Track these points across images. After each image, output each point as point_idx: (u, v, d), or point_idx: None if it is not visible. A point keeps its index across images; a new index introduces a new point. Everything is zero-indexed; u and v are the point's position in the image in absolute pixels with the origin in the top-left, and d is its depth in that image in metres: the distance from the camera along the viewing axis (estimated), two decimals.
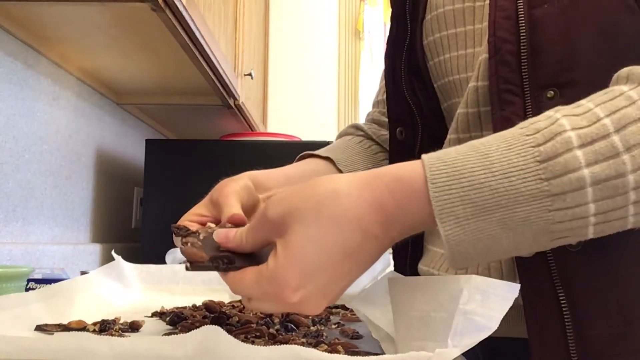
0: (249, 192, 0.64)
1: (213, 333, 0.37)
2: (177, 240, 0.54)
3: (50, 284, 0.91)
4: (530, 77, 0.58)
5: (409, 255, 0.78)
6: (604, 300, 0.56)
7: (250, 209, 0.63)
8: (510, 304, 0.43)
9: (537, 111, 0.55)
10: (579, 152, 0.44)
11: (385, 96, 0.90)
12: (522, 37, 0.58)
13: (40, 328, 0.57)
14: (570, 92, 0.56)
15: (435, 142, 0.71)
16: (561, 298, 0.56)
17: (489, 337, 0.43)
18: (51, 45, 1.36)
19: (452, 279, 0.44)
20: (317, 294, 0.44)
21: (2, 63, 1.20)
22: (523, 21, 0.59)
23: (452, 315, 0.43)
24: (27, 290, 0.87)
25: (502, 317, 0.43)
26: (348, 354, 0.46)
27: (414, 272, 0.75)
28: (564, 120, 0.46)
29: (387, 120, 0.85)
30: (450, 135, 0.68)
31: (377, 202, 0.45)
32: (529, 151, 0.45)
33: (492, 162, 0.45)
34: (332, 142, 1.94)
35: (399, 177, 0.46)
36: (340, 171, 0.76)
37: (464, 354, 0.44)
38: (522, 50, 0.58)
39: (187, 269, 0.49)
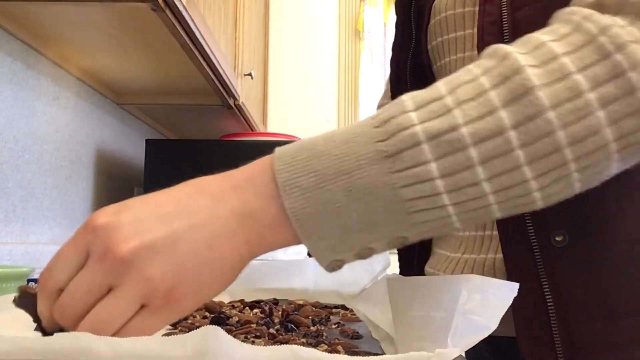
0: None
1: (213, 333, 0.37)
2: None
3: None
4: None
5: (415, 258, 0.78)
6: (589, 296, 0.57)
7: None
8: (509, 303, 0.43)
9: None
10: (413, 114, 0.43)
11: (387, 100, 0.91)
12: (505, 41, 0.60)
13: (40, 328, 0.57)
14: None
15: None
16: (546, 293, 0.57)
17: (495, 337, 0.43)
18: (51, 45, 1.36)
19: (451, 279, 0.44)
20: (132, 223, 0.41)
21: (2, 63, 1.20)
22: (507, 25, 0.60)
23: (451, 315, 0.43)
24: None
25: (501, 316, 0.42)
26: (348, 354, 0.46)
27: (421, 275, 0.76)
28: (405, 97, 0.45)
29: None
30: None
31: (226, 174, 0.45)
32: (368, 122, 0.44)
33: (333, 134, 0.44)
34: None
35: (255, 162, 0.46)
36: None
37: (470, 354, 0.44)
38: None
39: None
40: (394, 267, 0.81)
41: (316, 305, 0.75)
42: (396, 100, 0.45)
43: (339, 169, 0.43)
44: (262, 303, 0.75)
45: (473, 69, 0.46)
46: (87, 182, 1.65)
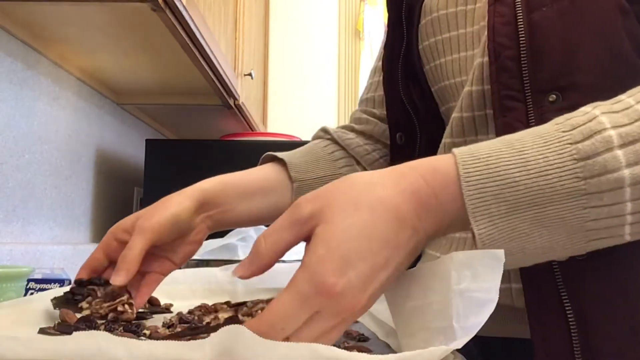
0: (179, 225, 0.64)
1: (232, 332, 0.36)
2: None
3: (50, 284, 0.91)
4: (531, 82, 0.57)
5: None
6: (611, 310, 0.54)
7: (173, 243, 0.65)
8: (500, 270, 0.42)
9: (540, 116, 0.55)
10: (620, 151, 0.43)
11: (372, 94, 0.89)
12: (521, 42, 0.58)
13: (43, 331, 0.57)
14: (573, 95, 0.56)
15: (434, 146, 0.71)
16: (567, 307, 0.54)
17: (486, 337, 0.43)
18: (51, 45, 1.36)
19: (436, 262, 0.44)
20: (357, 285, 0.41)
21: (2, 63, 1.20)
22: (522, 26, 0.58)
23: (447, 297, 0.43)
24: (27, 290, 0.87)
25: (498, 285, 0.42)
26: None
27: None
28: (603, 118, 0.45)
29: (368, 117, 0.86)
30: (445, 140, 0.68)
31: (413, 190, 0.44)
32: (566, 148, 0.44)
33: (527, 160, 0.44)
34: None
35: (434, 168, 0.45)
36: (290, 177, 0.76)
37: (459, 351, 0.44)
38: (522, 55, 0.58)
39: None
40: None
41: None
42: (594, 123, 0.44)
43: (532, 201, 0.43)
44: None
45: None
46: (87, 182, 1.65)
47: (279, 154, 0.79)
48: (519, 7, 0.59)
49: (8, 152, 1.23)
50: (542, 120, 0.53)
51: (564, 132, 0.44)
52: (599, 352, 0.54)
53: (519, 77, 0.58)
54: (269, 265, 0.45)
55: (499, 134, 0.57)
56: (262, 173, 0.78)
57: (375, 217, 0.43)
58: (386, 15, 0.81)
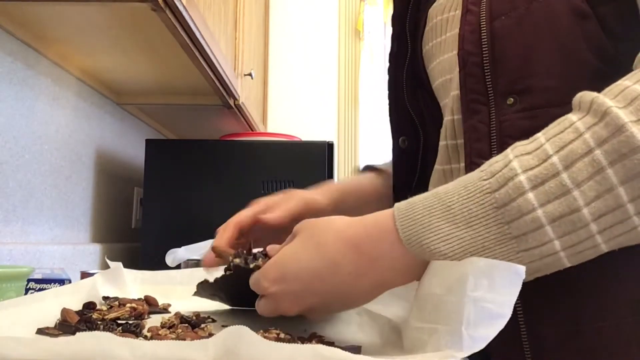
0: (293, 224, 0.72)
1: (236, 333, 0.36)
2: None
3: (50, 284, 0.91)
4: (492, 86, 0.61)
5: None
6: (555, 302, 0.59)
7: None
8: (519, 286, 0.44)
9: (500, 118, 0.60)
10: (531, 194, 0.47)
11: None
12: (484, 50, 0.62)
13: (42, 331, 0.57)
14: (528, 98, 0.60)
15: (435, 150, 0.73)
16: (517, 304, 0.58)
17: None
18: (51, 45, 1.36)
19: (457, 264, 0.46)
20: (289, 295, 0.53)
21: (2, 63, 1.20)
22: (485, 34, 0.62)
23: (460, 301, 0.44)
24: (27, 290, 0.87)
25: (513, 301, 0.43)
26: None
27: None
28: (515, 163, 0.48)
29: None
30: (441, 142, 0.71)
31: (354, 242, 0.52)
32: (486, 198, 0.48)
33: (454, 215, 0.49)
34: (332, 142, 1.93)
35: (379, 223, 0.52)
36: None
37: None
38: (485, 62, 0.62)
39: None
40: None
41: None
42: (507, 170, 0.48)
43: (467, 250, 0.48)
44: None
45: (575, 126, 0.48)
46: (87, 182, 1.65)
47: (379, 166, 0.88)
48: (483, 16, 0.63)
49: (8, 152, 1.23)
50: (501, 122, 0.59)
51: (484, 180, 0.49)
52: (544, 340, 0.59)
53: (482, 82, 0.62)
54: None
55: (466, 136, 0.63)
56: (373, 182, 0.86)
57: (316, 254, 0.53)
58: (386, 15, 0.84)
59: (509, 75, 0.61)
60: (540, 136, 0.50)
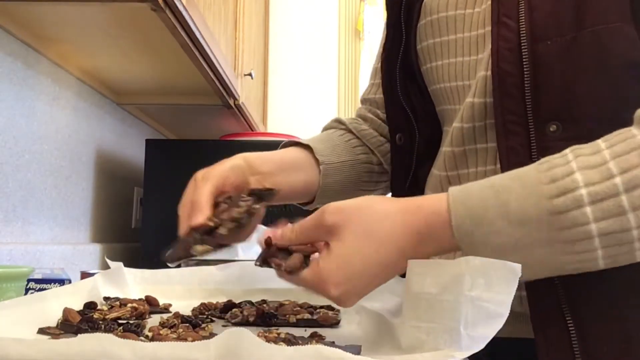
0: (237, 172, 0.70)
1: (237, 335, 0.37)
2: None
3: (50, 284, 0.91)
4: (533, 111, 0.60)
5: None
6: (606, 318, 0.58)
7: (236, 188, 0.70)
8: (515, 285, 0.44)
9: (541, 143, 0.59)
10: (588, 208, 0.49)
11: (373, 95, 0.92)
12: (525, 72, 0.60)
13: (43, 331, 0.57)
14: (573, 127, 0.59)
15: (431, 147, 0.72)
16: (567, 318, 0.58)
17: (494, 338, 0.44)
18: (51, 45, 1.36)
19: (452, 262, 0.47)
20: (353, 293, 0.54)
21: (2, 63, 1.20)
22: (526, 56, 0.60)
23: (457, 300, 0.44)
24: (27, 290, 0.87)
25: (510, 301, 0.44)
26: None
27: None
28: (578, 175, 0.50)
29: (372, 116, 0.89)
30: (444, 148, 0.70)
31: (415, 229, 0.53)
32: (542, 203, 0.50)
33: (509, 212, 0.50)
34: None
35: (438, 212, 0.53)
36: (317, 160, 0.81)
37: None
38: (526, 85, 0.60)
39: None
40: None
41: (303, 305, 0.75)
42: (569, 180, 0.50)
43: (515, 246, 0.50)
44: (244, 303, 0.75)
45: None
46: (87, 182, 1.65)
47: (303, 140, 0.85)
48: (523, 35, 0.60)
49: (8, 152, 1.23)
50: (543, 148, 0.58)
51: (543, 184, 0.50)
52: (598, 358, 0.58)
53: (522, 104, 0.61)
54: (287, 246, 0.58)
55: (502, 157, 0.62)
56: (291, 153, 0.83)
57: (380, 248, 0.53)
58: (386, 15, 0.82)
59: (552, 103, 0.60)
60: (604, 149, 0.51)
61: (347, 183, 0.84)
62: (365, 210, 0.54)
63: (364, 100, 0.95)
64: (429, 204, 0.54)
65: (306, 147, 0.83)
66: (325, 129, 0.93)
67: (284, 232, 0.58)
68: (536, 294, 0.59)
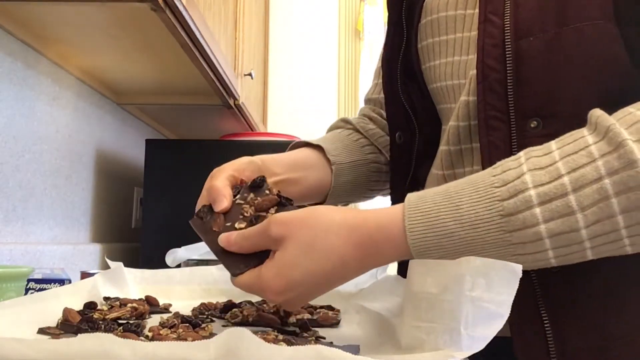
0: (254, 167, 0.71)
1: (237, 335, 0.37)
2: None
3: (50, 284, 0.91)
4: (515, 106, 0.61)
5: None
6: (583, 317, 0.60)
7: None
8: (516, 285, 0.45)
9: (522, 139, 0.60)
10: (538, 209, 0.50)
11: (377, 95, 0.91)
12: (508, 68, 0.61)
13: (43, 331, 0.57)
14: (554, 124, 0.59)
15: (431, 146, 0.73)
16: (543, 316, 0.60)
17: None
18: (51, 45, 1.36)
19: (453, 263, 0.47)
20: (295, 300, 0.56)
21: (2, 63, 1.20)
22: (510, 52, 0.61)
23: (457, 300, 0.44)
24: (27, 290, 0.87)
25: (511, 301, 0.44)
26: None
27: None
28: (527, 177, 0.51)
29: (377, 116, 0.89)
30: (442, 147, 0.70)
31: (359, 243, 0.54)
32: (494, 205, 0.51)
33: (461, 215, 0.51)
34: None
35: (382, 225, 0.54)
36: (328, 160, 0.81)
37: None
38: (509, 80, 0.61)
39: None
40: (392, 268, 0.81)
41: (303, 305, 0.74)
42: (519, 182, 0.51)
43: (467, 249, 0.51)
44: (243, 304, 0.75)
45: (590, 150, 0.50)
46: (87, 182, 1.65)
47: (313, 140, 0.84)
48: (507, 31, 0.61)
49: (8, 152, 1.23)
50: (523, 144, 0.58)
51: (495, 187, 0.51)
52: (573, 355, 0.59)
53: (504, 99, 0.61)
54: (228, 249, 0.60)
55: (483, 151, 0.63)
56: (303, 154, 0.82)
57: (324, 260, 0.54)
58: (386, 15, 0.82)
59: (533, 99, 0.60)
60: (554, 150, 0.52)
61: (358, 183, 0.85)
62: (311, 222, 0.55)
63: (368, 100, 0.95)
64: (375, 217, 0.55)
65: (316, 147, 0.83)
66: (332, 128, 0.92)
67: (236, 237, 0.59)
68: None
